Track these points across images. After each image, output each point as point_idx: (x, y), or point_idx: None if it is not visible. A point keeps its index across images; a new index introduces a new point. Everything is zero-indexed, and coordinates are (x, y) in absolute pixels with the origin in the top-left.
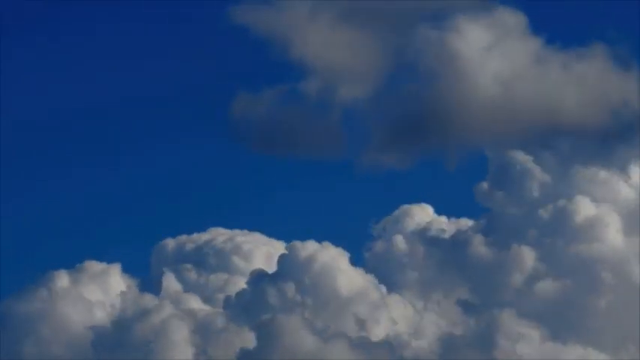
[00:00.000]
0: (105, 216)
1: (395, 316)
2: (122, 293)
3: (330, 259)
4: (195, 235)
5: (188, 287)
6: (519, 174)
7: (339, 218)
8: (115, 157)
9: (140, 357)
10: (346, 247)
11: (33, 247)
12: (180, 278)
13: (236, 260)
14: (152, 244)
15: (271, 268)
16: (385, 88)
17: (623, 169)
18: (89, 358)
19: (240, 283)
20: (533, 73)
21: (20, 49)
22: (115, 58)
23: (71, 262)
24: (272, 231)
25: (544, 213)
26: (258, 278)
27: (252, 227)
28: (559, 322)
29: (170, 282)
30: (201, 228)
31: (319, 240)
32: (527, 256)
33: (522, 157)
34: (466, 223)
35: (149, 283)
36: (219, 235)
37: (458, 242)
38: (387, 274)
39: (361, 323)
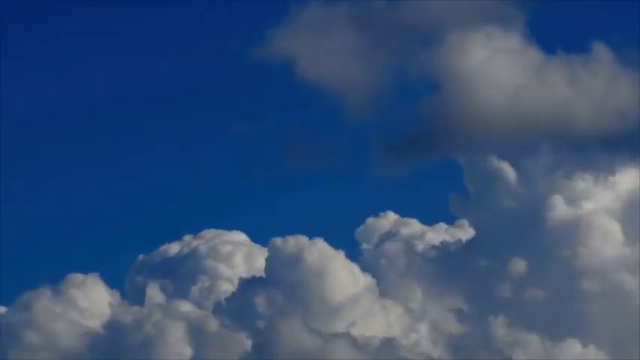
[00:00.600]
0: (83, 228)
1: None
2: (110, 304)
3: (323, 257)
4: (174, 244)
5: (175, 295)
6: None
7: (334, 219)
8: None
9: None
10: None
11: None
12: (164, 288)
13: (222, 265)
14: (130, 256)
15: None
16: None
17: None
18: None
19: (229, 288)
20: (535, 84)
21: (20, 49)
22: (115, 58)
23: (54, 275)
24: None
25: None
26: (247, 283)
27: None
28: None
29: (154, 292)
30: (177, 236)
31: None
32: (518, 265)
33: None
34: (458, 233)
35: (131, 294)
36: (196, 241)
37: (449, 254)
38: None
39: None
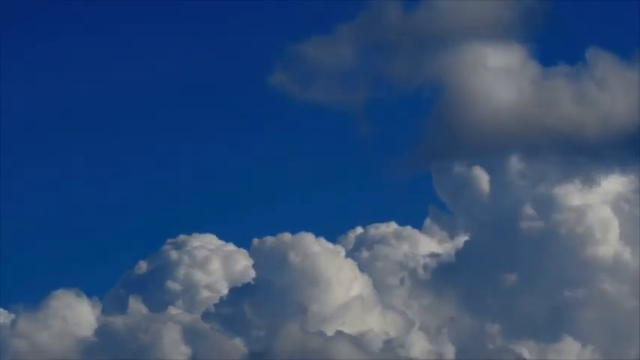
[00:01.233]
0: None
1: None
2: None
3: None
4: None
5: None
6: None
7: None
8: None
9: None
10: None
11: None
12: (147, 299)
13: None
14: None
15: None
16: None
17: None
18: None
19: (219, 293)
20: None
21: (20, 49)
22: (115, 58)
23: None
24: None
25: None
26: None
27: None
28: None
29: (136, 303)
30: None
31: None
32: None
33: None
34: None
35: (113, 305)
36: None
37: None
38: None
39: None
